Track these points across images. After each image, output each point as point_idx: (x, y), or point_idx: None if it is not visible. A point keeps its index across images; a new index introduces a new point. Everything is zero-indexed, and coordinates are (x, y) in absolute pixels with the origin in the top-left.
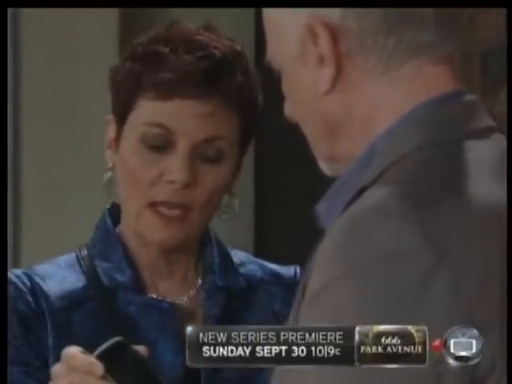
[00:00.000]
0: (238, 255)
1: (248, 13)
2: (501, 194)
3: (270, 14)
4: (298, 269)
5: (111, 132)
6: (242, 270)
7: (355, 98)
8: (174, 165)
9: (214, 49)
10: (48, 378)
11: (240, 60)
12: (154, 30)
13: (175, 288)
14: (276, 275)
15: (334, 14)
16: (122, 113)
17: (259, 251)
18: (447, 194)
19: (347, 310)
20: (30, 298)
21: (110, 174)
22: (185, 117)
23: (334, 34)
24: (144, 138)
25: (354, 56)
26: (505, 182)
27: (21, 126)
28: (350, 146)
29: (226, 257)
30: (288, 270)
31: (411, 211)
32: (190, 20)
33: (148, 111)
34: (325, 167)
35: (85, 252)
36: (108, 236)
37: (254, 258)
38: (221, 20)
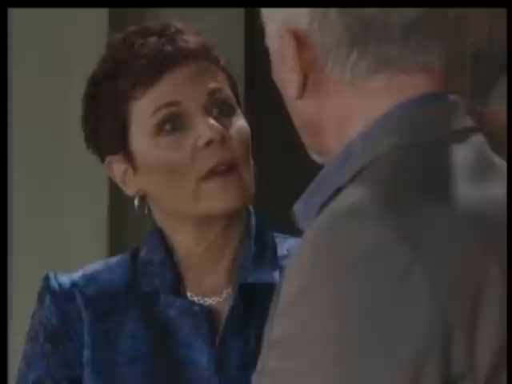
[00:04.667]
0: (288, 244)
1: (238, 11)
2: (478, 194)
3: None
4: None
5: (120, 169)
6: (285, 262)
7: (327, 106)
8: (202, 127)
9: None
10: None
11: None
12: (98, 64)
13: (219, 285)
14: None
15: (302, 24)
16: (122, 138)
17: None
18: (422, 194)
19: (325, 315)
20: (67, 307)
21: (137, 199)
22: (180, 85)
23: (302, 44)
24: (158, 127)
25: (321, 65)
26: (483, 182)
27: (11, 126)
28: (327, 146)
29: (265, 249)
30: None
31: (385, 211)
32: (180, 20)
33: (147, 105)
34: (313, 155)
35: (136, 254)
36: (154, 240)
37: None
38: (211, 18)
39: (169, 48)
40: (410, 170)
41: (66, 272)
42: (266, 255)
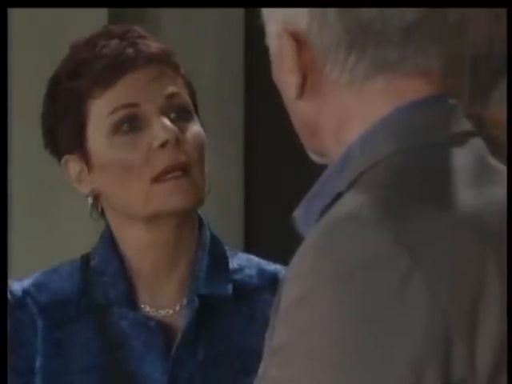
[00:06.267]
0: (238, 259)
1: (238, 11)
2: (476, 198)
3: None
4: None
5: (76, 168)
6: (236, 276)
7: (325, 107)
8: (157, 128)
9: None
10: None
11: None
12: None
13: (173, 296)
14: (274, 280)
15: (301, 24)
16: (79, 136)
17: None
18: (421, 198)
19: (325, 321)
20: (19, 315)
21: (90, 199)
22: (139, 87)
23: (301, 45)
24: (115, 128)
25: (319, 67)
26: (481, 186)
27: (10, 126)
28: (325, 147)
29: (218, 262)
30: None
31: (384, 217)
32: (179, 20)
33: (105, 105)
34: (313, 156)
35: (87, 262)
36: (106, 248)
37: (257, 261)
38: (211, 18)
39: (130, 51)
40: (409, 174)
41: (15, 279)
42: (219, 267)
